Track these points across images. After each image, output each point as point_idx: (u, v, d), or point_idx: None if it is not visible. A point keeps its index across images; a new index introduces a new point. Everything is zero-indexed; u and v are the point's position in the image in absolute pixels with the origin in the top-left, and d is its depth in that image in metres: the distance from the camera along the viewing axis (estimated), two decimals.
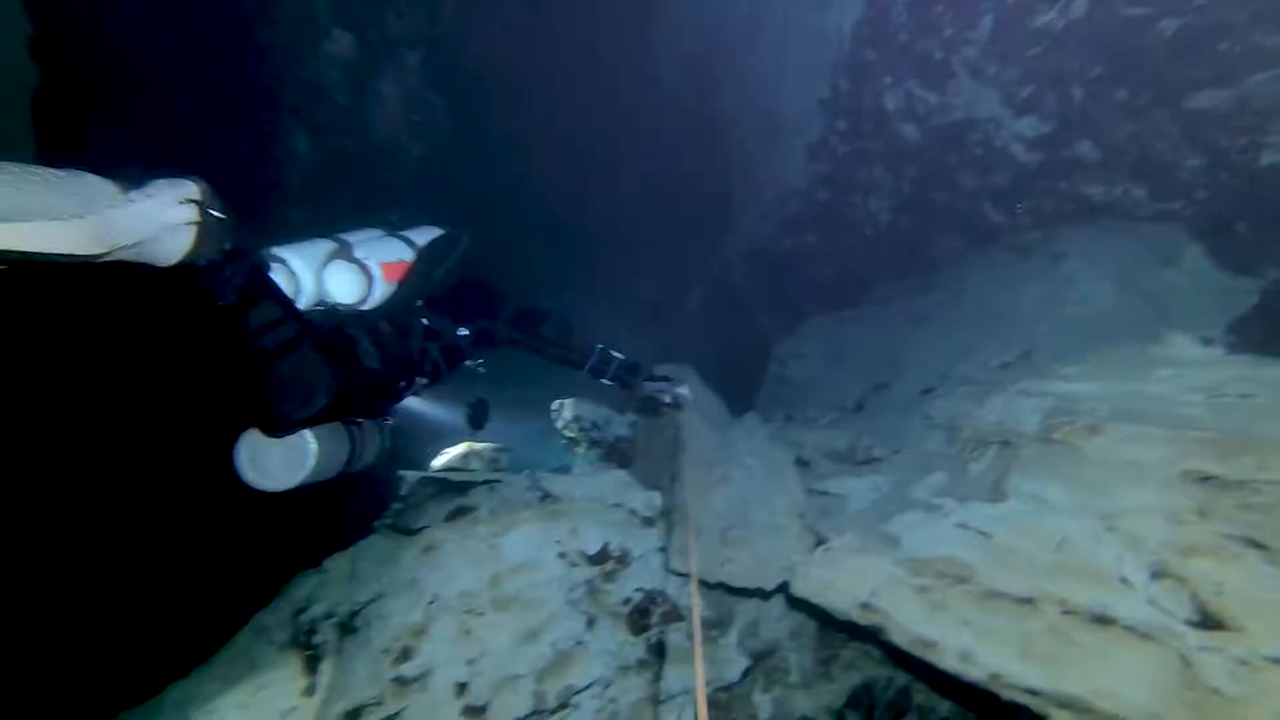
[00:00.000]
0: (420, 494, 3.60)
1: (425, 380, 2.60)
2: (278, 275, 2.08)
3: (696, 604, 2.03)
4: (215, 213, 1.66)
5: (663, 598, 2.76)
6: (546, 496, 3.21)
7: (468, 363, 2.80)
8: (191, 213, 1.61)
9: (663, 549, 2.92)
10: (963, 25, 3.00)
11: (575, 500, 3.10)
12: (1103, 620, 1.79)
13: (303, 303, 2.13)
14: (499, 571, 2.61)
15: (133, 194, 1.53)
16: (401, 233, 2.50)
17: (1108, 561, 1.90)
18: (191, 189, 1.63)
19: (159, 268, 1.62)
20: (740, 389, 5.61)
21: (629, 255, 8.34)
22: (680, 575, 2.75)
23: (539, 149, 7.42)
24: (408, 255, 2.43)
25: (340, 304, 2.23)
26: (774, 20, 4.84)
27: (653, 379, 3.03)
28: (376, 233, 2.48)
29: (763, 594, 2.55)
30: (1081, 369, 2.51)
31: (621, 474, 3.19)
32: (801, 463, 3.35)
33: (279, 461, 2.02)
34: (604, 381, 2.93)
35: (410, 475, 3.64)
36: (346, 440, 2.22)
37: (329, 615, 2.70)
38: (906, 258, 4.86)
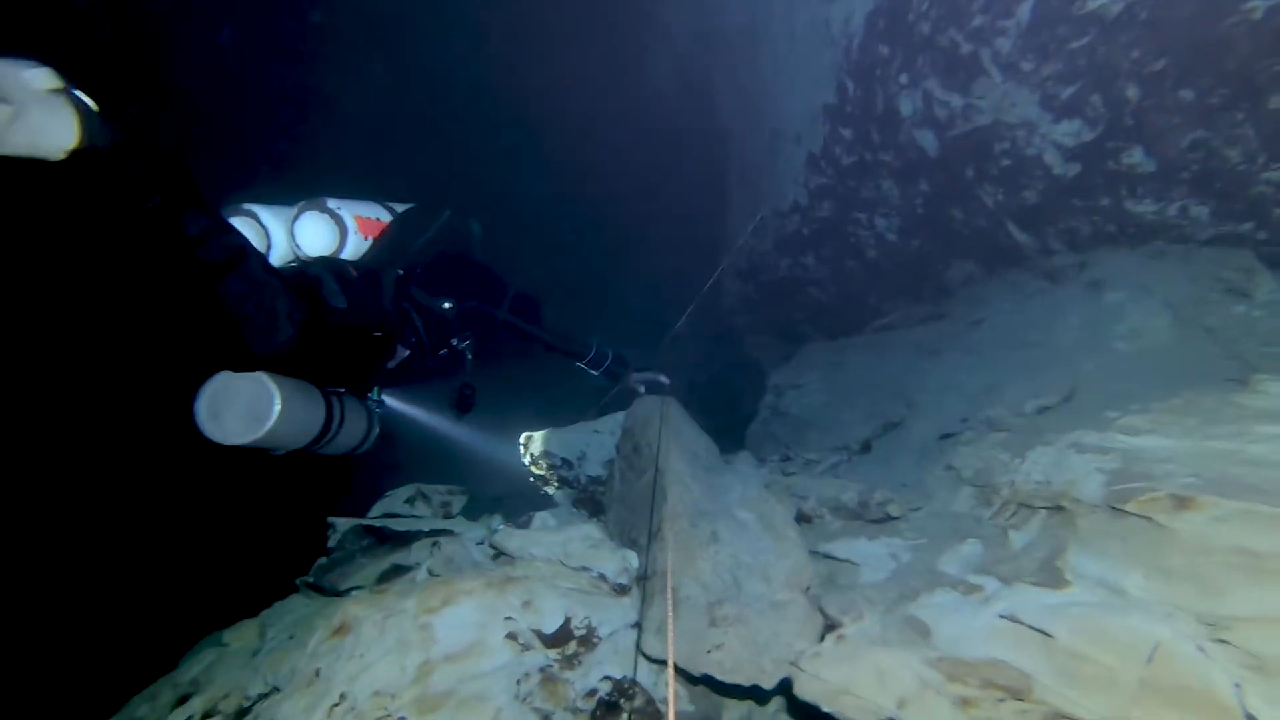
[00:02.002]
0: (351, 545, 3.07)
1: (407, 352, 2.51)
2: (247, 229, 2.00)
3: (672, 704, 1.51)
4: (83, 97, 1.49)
5: (636, 690, 2.23)
6: (500, 555, 2.70)
7: (454, 341, 2.71)
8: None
9: (637, 625, 2.40)
10: (996, 13, 2.61)
11: (533, 561, 2.59)
12: None
13: (274, 259, 2.08)
14: (429, 660, 2.08)
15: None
16: (384, 202, 2.50)
17: (1223, 687, 1.42)
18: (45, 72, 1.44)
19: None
20: (731, 421, 5.13)
21: (616, 271, 7.92)
22: (658, 662, 2.24)
23: (526, 155, 7.03)
24: (384, 216, 2.41)
25: (313, 256, 2.15)
26: (775, 17, 4.47)
27: (638, 370, 3.15)
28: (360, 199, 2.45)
29: (759, 693, 2.04)
30: (1149, 419, 2.06)
31: (591, 528, 2.68)
32: (803, 518, 2.87)
33: (239, 412, 1.89)
34: (594, 373, 3.02)
35: (341, 523, 3.11)
36: (321, 408, 2.11)
37: (209, 714, 2.14)
38: (915, 282, 4.45)
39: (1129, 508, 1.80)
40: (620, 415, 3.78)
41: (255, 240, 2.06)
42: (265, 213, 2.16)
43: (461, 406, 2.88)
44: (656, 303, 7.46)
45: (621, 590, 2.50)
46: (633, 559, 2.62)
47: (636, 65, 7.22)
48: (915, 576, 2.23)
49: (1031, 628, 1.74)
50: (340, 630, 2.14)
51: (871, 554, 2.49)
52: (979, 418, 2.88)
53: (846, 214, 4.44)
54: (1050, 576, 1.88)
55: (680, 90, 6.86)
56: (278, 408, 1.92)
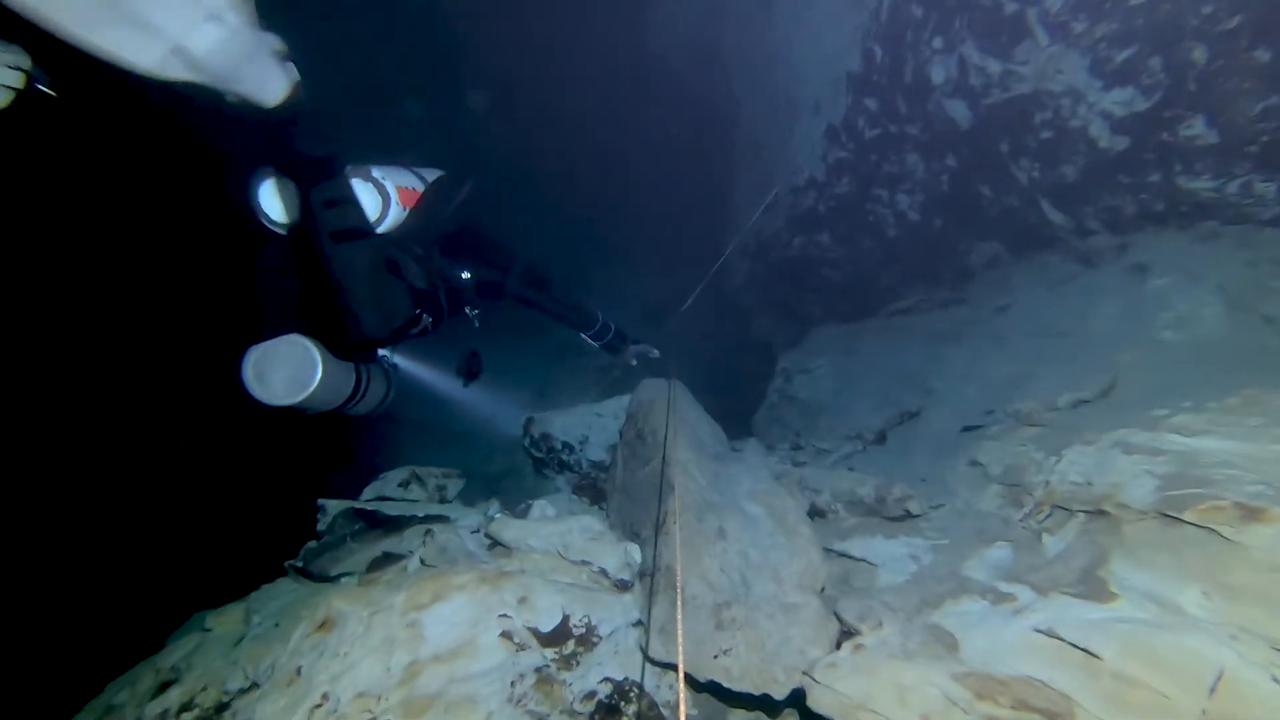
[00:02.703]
0: (342, 529, 2.93)
1: (430, 319, 2.58)
2: (287, 190, 2.05)
3: (683, 714, 1.37)
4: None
5: (637, 692, 2.11)
6: (495, 545, 2.56)
7: (465, 310, 2.77)
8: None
9: (639, 623, 2.27)
10: None
11: (530, 553, 2.45)
12: None
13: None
14: (416, 660, 1.95)
15: None
16: (412, 167, 2.47)
17: None
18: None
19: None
20: (735, 403, 4.96)
21: (617, 250, 7.68)
22: (661, 665, 2.10)
23: (520, 129, 6.74)
24: (418, 185, 2.41)
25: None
26: None
27: (635, 343, 3.20)
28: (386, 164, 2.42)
29: (769, 703, 1.91)
30: (1205, 419, 1.88)
31: (592, 519, 2.54)
32: (816, 512, 2.72)
33: (284, 375, 2.02)
34: (595, 345, 3.09)
35: (332, 505, 2.97)
36: (352, 372, 2.21)
37: (187, 707, 2.02)
38: (935, 264, 4.23)
39: (1187, 516, 1.64)
40: (625, 399, 3.63)
41: (295, 203, 2.08)
42: None
43: (468, 374, 2.94)
44: (658, 278, 7.25)
45: (623, 586, 2.37)
46: (635, 553, 2.48)
47: (639, 27, 6.86)
48: (938, 581, 2.08)
49: (1073, 645, 1.58)
50: (323, 626, 2.01)
51: (890, 554, 2.34)
52: (1006, 410, 2.70)
53: (866, 190, 4.21)
54: (1093, 588, 1.72)
55: (687, 55, 6.54)
56: (320, 372, 2.03)
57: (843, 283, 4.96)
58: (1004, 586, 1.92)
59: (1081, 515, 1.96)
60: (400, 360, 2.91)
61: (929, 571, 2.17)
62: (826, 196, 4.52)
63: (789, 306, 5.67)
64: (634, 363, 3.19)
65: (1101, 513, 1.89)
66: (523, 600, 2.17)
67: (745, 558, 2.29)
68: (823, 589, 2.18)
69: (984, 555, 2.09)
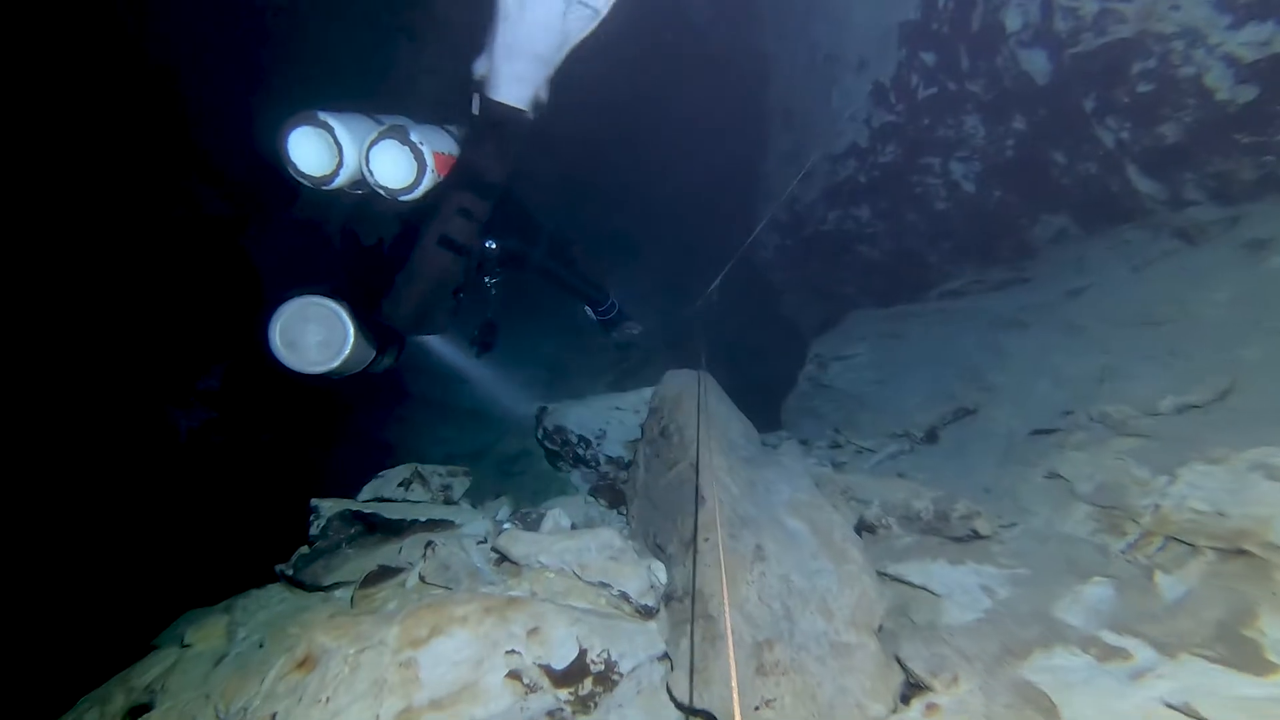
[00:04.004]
0: (337, 534, 2.68)
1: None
2: (319, 143, 1.98)
3: None
4: None
5: None
6: (503, 561, 2.28)
7: (484, 279, 2.67)
8: None
9: (665, 657, 1.98)
10: None
11: (543, 572, 2.17)
12: None
13: (341, 179, 2.02)
14: (410, 707, 1.68)
15: None
16: (445, 126, 2.31)
17: None
18: None
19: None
20: (763, 390, 4.62)
21: (635, 224, 7.27)
22: (696, 715, 1.81)
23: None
24: (454, 149, 2.25)
25: (383, 187, 2.05)
26: None
27: (626, 319, 3.15)
28: (420, 122, 2.25)
29: None
30: None
31: (611, 534, 2.24)
32: (865, 527, 2.40)
33: (315, 340, 2.00)
34: (596, 320, 3.07)
35: (326, 506, 2.72)
36: (375, 342, 2.18)
37: None
38: (989, 239, 3.81)
39: None
40: (646, 391, 3.32)
41: (326, 157, 1.98)
42: (341, 128, 1.98)
43: (482, 345, 2.84)
44: (679, 251, 6.84)
45: (646, 613, 2.08)
46: (660, 572, 2.19)
47: None
48: (1022, 623, 1.76)
49: None
50: (303, 665, 1.75)
51: (956, 583, 2.01)
52: (1090, 413, 2.33)
53: (915, 158, 3.77)
54: (1238, 651, 1.39)
55: (710, 6, 6.03)
56: (352, 337, 2.00)
57: (882, 261, 4.55)
58: (1111, 638, 1.59)
59: (1210, 553, 1.61)
60: None
61: (1008, 609, 1.84)
62: (869, 165, 4.08)
63: (821, 287, 5.27)
64: (614, 335, 3.16)
65: (1240, 552, 1.54)
66: (533, 632, 1.89)
67: (788, 584, 1.98)
68: (880, 628, 1.87)
69: (1079, 594, 1.76)
